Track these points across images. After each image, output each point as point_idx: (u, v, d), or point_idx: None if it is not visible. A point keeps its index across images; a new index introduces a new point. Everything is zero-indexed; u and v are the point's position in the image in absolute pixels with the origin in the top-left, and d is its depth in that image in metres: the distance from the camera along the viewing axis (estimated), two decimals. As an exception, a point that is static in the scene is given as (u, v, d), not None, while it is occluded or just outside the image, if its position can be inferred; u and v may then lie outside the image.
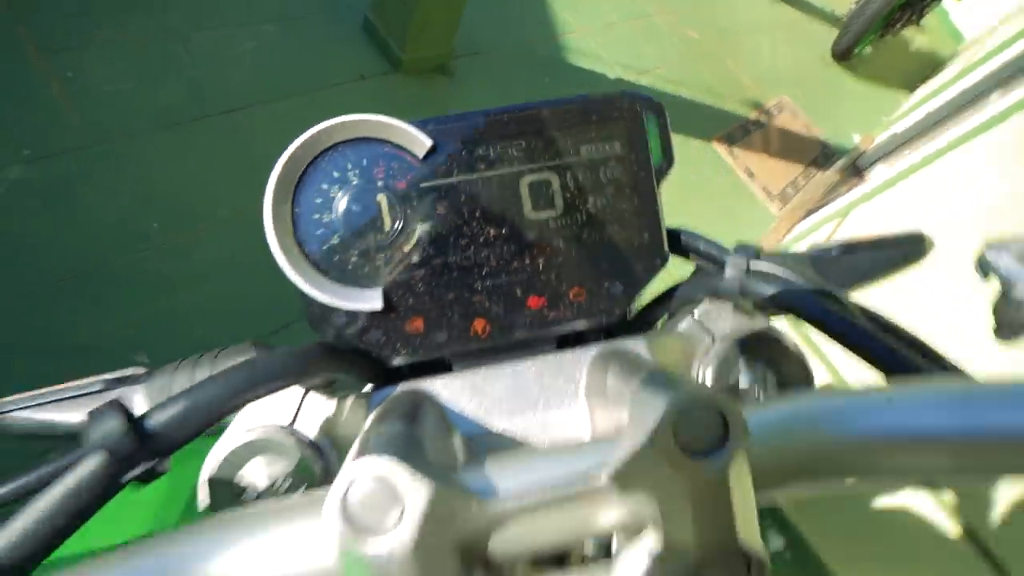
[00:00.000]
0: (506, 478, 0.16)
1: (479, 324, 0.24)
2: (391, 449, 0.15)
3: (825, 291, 0.23)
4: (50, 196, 1.26)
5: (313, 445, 0.25)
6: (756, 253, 0.25)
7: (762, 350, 0.26)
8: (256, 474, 0.26)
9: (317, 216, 0.24)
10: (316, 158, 0.24)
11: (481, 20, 2.04)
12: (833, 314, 0.21)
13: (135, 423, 0.17)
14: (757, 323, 0.27)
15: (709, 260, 0.27)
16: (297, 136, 0.23)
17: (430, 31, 1.74)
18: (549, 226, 0.24)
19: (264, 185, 0.23)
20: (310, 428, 0.26)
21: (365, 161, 0.24)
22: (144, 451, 0.17)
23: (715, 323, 0.27)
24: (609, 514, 0.16)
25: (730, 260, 0.25)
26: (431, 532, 0.14)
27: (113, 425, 0.17)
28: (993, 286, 0.24)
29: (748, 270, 0.24)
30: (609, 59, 2.31)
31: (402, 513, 0.14)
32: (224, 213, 1.37)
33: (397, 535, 0.14)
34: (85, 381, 0.31)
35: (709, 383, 0.25)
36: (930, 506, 1.29)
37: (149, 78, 1.50)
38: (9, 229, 1.20)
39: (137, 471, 0.17)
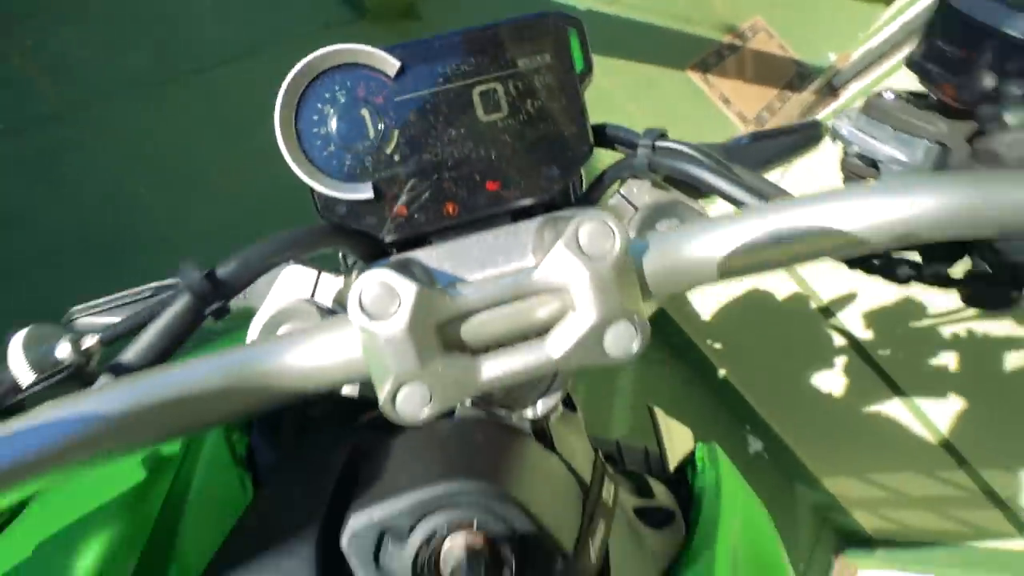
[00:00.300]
0: (469, 285, 0.24)
1: (450, 206, 0.32)
2: (389, 269, 0.22)
3: (710, 155, 0.30)
4: (32, 167, 1.29)
5: (329, 310, 0.33)
6: (662, 135, 0.32)
7: (675, 213, 0.34)
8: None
9: (316, 130, 0.31)
10: (309, 85, 0.31)
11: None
12: (708, 171, 0.29)
13: (208, 273, 0.25)
14: (671, 195, 0.34)
15: (629, 146, 0.34)
16: (282, 78, 0.30)
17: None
18: (498, 125, 0.31)
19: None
20: (326, 299, 0.33)
21: (349, 83, 0.30)
22: (215, 292, 0.25)
23: (637, 197, 0.34)
24: (542, 305, 0.24)
25: (640, 142, 0.32)
26: (418, 316, 0.22)
27: (194, 274, 0.25)
28: (839, 147, 0.31)
29: (654, 148, 0.31)
30: (579, -11, 2.27)
31: (399, 304, 0.22)
32: (213, 174, 1.41)
33: (397, 318, 0.22)
34: (136, 289, 0.39)
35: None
36: (896, 407, 1.41)
37: (113, 43, 1.49)
38: (-7, 204, 1.23)
39: (212, 307, 0.25)
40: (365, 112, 0.31)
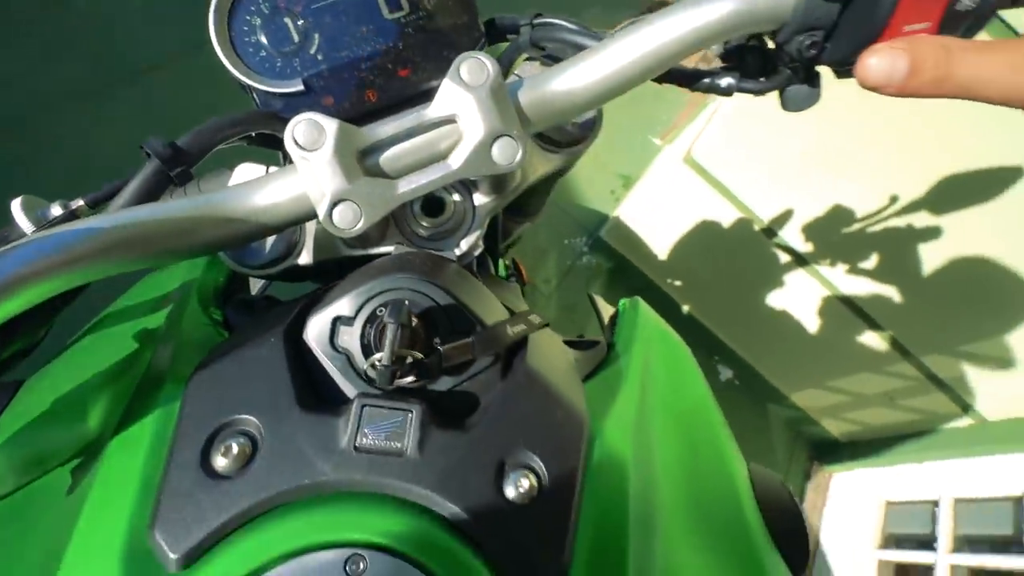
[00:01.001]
0: (380, 124, 0.30)
1: (370, 93, 0.38)
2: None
3: (581, 24, 0.36)
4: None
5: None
6: (538, 14, 0.39)
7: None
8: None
9: (247, 39, 0.36)
10: (235, 2, 0.36)
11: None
12: (576, 34, 0.35)
13: (171, 144, 0.31)
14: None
15: (513, 31, 0.40)
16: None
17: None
18: (401, 21, 0.37)
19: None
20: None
21: (269, -4, 0.36)
22: (178, 159, 0.31)
23: (528, 74, 0.40)
24: (441, 137, 0.30)
25: (522, 23, 0.39)
26: (341, 144, 0.28)
27: (158, 144, 0.30)
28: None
29: (532, 25, 0.38)
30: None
31: (324, 136, 0.28)
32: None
33: (325, 147, 0.28)
34: None
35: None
36: (844, 314, 1.51)
37: (44, 56, 1.49)
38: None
39: (176, 171, 0.31)
40: (287, 20, 0.36)
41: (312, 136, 0.28)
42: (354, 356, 0.28)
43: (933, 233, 1.25)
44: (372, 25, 0.37)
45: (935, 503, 1.53)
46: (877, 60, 0.26)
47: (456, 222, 0.36)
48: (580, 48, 0.36)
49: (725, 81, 0.33)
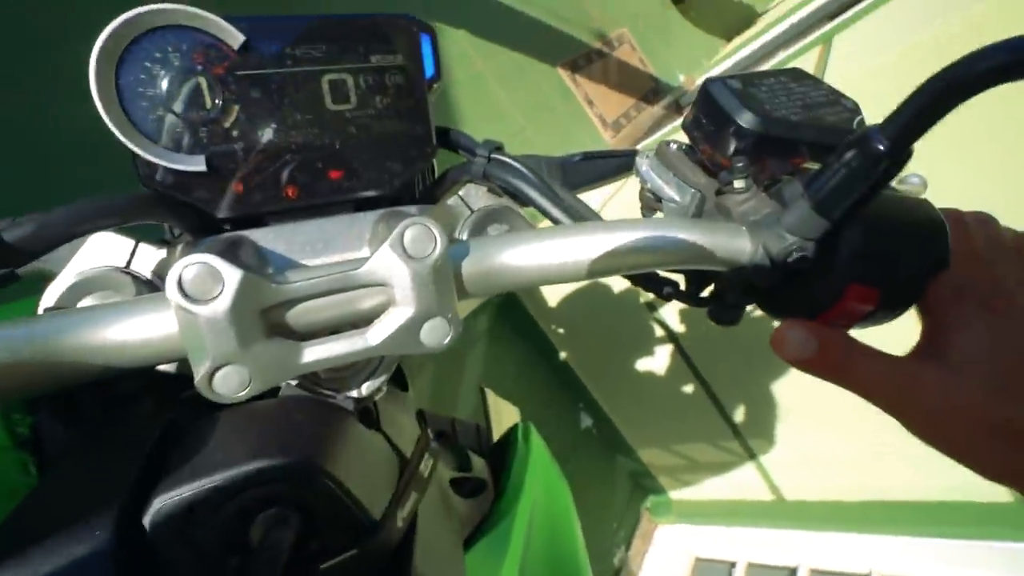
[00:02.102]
0: (298, 273, 0.25)
1: (290, 189, 0.32)
2: (214, 252, 0.23)
3: (537, 174, 0.34)
4: None
5: (147, 282, 0.32)
6: (498, 147, 0.36)
7: (504, 219, 0.38)
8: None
9: (141, 90, 0.29)
10: (136, 39, 0.28)
11: None
12: (532, 188, 0.33)
13: None
14: (502, 201, 0.38)
15: (469, 152, 0.37)
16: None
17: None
18: (345, 116, 0.32)
19: None
20: (143, 270, 0.32)
21: (185, 46, 0.29)
22: (2, 258, 0.23)
23: (474, 200, 0.38)
24: (366, 298, 0.26)
25: (478, 151, 0.35)
26: (241, 301, 0.22)
27: None
28: (640, 182, 0.37)
29: (489, 159, 0.35)
30: (459, -32, 2.24)
31: (222, 288, 0.22)
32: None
33: (220, 301, 0.22)
34: None
35: (466, 241, 0.36)
36: (695, 388, 1.66)
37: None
38: None
39: (-3, 275, 0.23)
40: (202, 80, 0.29)
41: (205, 286, 0.22)
42: (209, 557, 0.23)
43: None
44: (310, 113, 0.31)
45: (732, 564, 1.75)
46: (791, 337, 0.27)
47: (360, 364, 0.32)
48: (532, 203, 0.33)
49: (665, 289, 0.33)
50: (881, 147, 0.22)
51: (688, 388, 1.67)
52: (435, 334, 0.26)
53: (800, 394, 1.48)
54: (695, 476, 1.92)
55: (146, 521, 0.23)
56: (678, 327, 1.57)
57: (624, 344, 1.75)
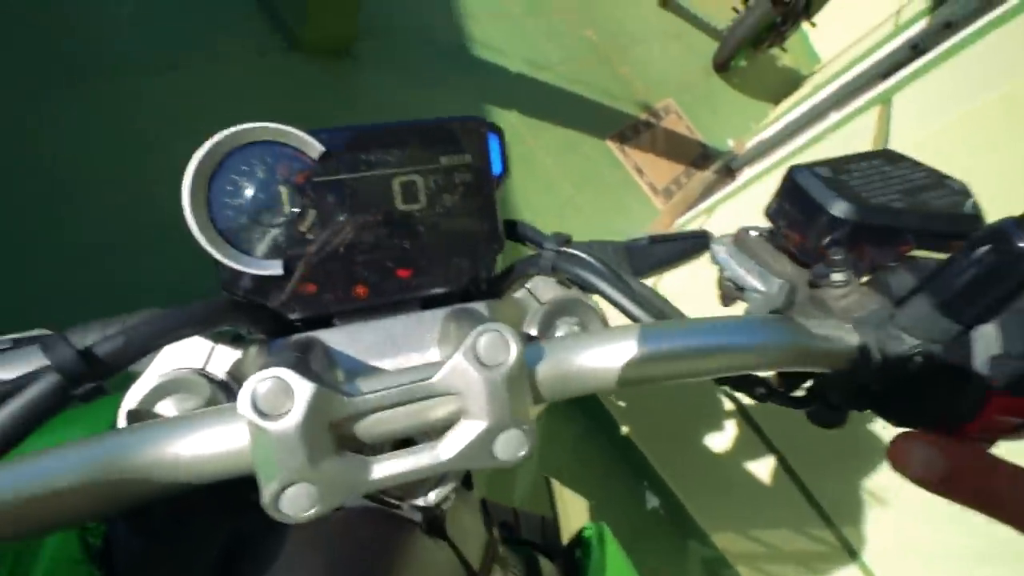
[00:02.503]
0: (366, 384, 0.24)
1: (360, 289, 0.32)
2: (287, 364, 0.22)
3: (608, 264, 0.33)
4: None
5: (222, 384, 0.32)
6: (567, 240, 0.35)
7: (574, 311, 0.36)
8: (170, 411, 0.31)
9: (228, 200, 0.30)
10: (228, 154, 0.30)
11: (384, 1, 2.04)
12: (604, 281, 0.32)
13: (84, 351, 0.23)
14: (572, 293, 0.37)
15: (537, 245, 0.36)
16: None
17: (331, 9, 1.72)
18: (415, 216, 0.32)
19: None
20: (219, 371, 0.32)
21: (269, 159, 0.30)
22: (90, 373, 0.23)
23: (542, 293, 0.37)
24: (437, 407, 0.24)
25: (546, 245, 0.35)
26: (312, 416, 0.22)
27: (66, 351, 0.23)
28: (716, 269, 0.35)
29: (559, 252, 0.34)
30: (511, 52, 2.40)
31: (293, 403, 0.22)
32: (106, 189, 1.29)
33: (291, 417, 0.22)
34: None
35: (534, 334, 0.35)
36: (774, 469, 1.53)
37: (13, 45, 1.36)
38: None
39: (83, 389, 0.23)
40: (283, 189, 0.31)
41: (277, 401, 0.21)
42: None
43: (867, 419, 1.29)
44: (380, 214, 0.32)
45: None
46: (914, 452, 0.24)
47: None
48: (607, 298, 0.32)
49: (759, 390, 0.30)
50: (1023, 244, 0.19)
51: (764, 465, 1.54)
52: (509, 447, 0.24)
53: (899, 477, 1.33)
54: (780, 568, 1.72)
55: None
56: (751, 400, 1.46)
57: (691, 417, 1.65)
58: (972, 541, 1.23)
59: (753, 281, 0.31)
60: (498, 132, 0.34)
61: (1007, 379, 0.22)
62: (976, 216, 0.27)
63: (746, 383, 0.30)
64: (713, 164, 2.99)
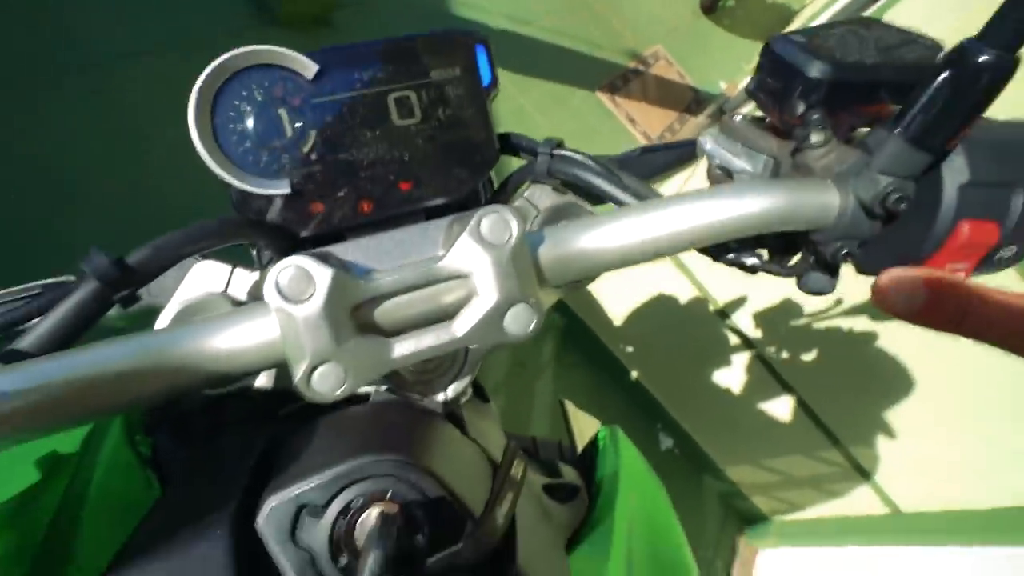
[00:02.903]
0: (382, 273, 0.26)
1: (365, 204, 0.33)
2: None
3: (601, 163, 0.34)
4: None
5: (243, 304, 0.34)
6: (559, 144, 0.36)
7: (572, 214, 0.38)
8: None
9: (232, 126, 0.31)
10: (226, 82, 0.31)
11: (361, -32, 1.99)
12: (597, 176, 0.33)
13: (117, 260, 0.25)
14: (568, 198, 0.38)
15: (531, 153, 0.37)
16: (190, 79, 0.30)
17: (307, -20, 1.69)
18: (411, 130, 0.34)
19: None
20: (239, 293, 0.34)
21: (266, 83, 0.32)
22: (124, 279, 0.25)
23: (540, 200, 0.38)
24: (449, 291, 0.26)
25: (540, 150, 0.36)
26: (333, 299, 0.24)
27: (102, 260, 0.25)
28: (705, 160, 0.36)
29: (552, 155, 0.35)
30: (492, 9, 2.34)
31: (314, 287, 0.23)
32: (95, 178, 1.30)
33: (314, 300, 0.23)
34: (25, 286, 0.37)
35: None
36: (782, 398, 1.56)
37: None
38: None
39: (121, 294, 0.25)
40: (282, 112, 0.32)
41: (300, 287, 0.23)
42: (319, 556, 0.23)
43: (872, 336, 1.32)
44: (378, 130, 0.33)
45: (853, 589, 1.58)
46: (897, 287, 0.25)
47: (445, 366, 0.32)
48: (599, 191, 0.33)
49: (750, 260, 0.31)
50: (985, 57, 0.20)
51: (774, 398, 1.57)
52: (519, 321, 0.26)
53: (904, 392, 1.36)
54: (795, 494, 1.77)
55: (259, 523, 0.24)
56: (754, 332, 1.49)
57: (698, 357, 1.67)
58: (972, 450, 1.27)
59: (740, 163, 0.32)
60: (484, 43, 0.35)
61: (973, 205, 0.23)
62: None
63: (738, 257, 0.32)
64: (706, 109, 2.94)
